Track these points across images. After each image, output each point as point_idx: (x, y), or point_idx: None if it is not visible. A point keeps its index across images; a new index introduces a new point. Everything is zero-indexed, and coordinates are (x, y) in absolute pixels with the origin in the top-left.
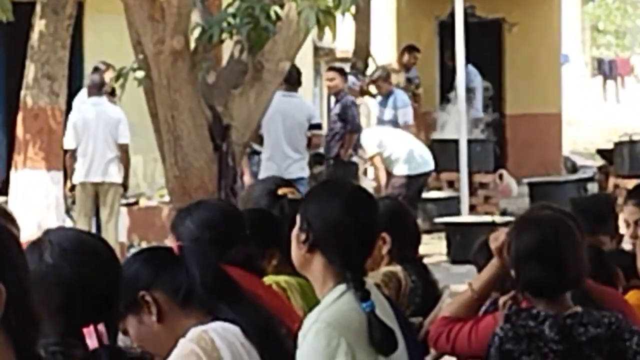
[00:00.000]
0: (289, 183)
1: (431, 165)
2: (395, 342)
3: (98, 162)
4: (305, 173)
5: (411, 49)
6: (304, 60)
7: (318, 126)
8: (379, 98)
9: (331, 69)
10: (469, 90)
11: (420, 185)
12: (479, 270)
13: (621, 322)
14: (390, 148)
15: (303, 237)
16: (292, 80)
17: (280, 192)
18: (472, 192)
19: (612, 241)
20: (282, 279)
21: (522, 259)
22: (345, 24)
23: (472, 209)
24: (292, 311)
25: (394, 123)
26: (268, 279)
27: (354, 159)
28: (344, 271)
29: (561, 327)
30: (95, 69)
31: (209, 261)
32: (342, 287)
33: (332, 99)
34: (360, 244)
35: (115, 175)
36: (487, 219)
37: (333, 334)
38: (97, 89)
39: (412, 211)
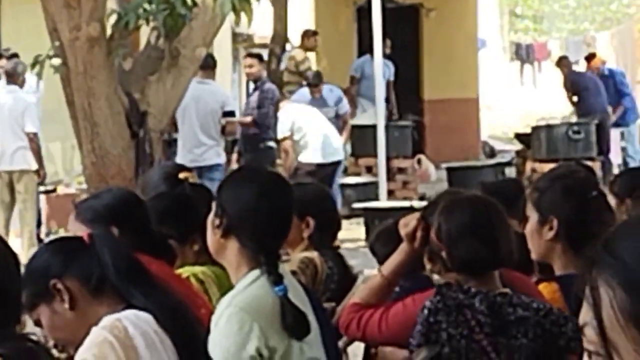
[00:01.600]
0: (187, 168)
1: (341, 155)
2: (307, 326)
3: (7, 150)
4: (221, 159)
5: (313, 32)
6: (222, 46)
7: (232, 113)
8: (311, 98)
9: (249, 55)
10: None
11: (328, 174)
12: (377, 258)
13: (551, 308)
14: (303, 132)
15: (217, 222)
16: (207, 67)
17: (182, 176)
18: (391, 177)
19: (520, 225)
20: (199, 270)
21: (455, 238)
22: (264, 10)
23: (391, 194)
24: (199, 297)
25: (337, 117)
26: (185, 271)
27: (271, 144)
28: (258, 256)
29: (491, 303)
30: (12, 56)
31: (119, 248)
32: (256, 272)
33: (252, 85)
34: (274, 229)
35: (25, 163)
36: (406, 204)
37: (245, 318)
38: (10, 76)
39: (334, 198)
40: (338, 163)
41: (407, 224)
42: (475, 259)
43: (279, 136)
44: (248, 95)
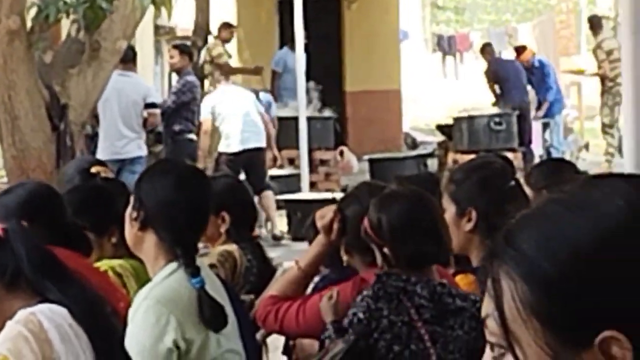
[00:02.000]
0: (102, 162)
1: (257, 143)
2: (224, 319)
3: None
4: (143, 152)
5: (229, 25)
6: (144, 39)
7: (154, 105)
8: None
9: (173, 46)
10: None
11: (252, 161)
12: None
13: None
14: (222, 119)
15: (135, 214)
16: (128, 59)
17: (94, 170)
18: (313, 169)
19: None
20: (116, 263)
21: (400, 234)
22: (186, 2)
23: (313, 185)
24: (117, 290)
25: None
26: (102, 264)
27: (191, 136)
28: (175, 248)
29: (432, 291)
30: None
31: (34, 242)
32: (173, 264)
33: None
34: (191, 222)
35: None
36: (328, 195)
37: (162, 310)
38: None
39: (249, 189)
40: (259, 150)
41: (323, 216)
42: (422, 253)
43: (201, 119)
44: (170, 87)
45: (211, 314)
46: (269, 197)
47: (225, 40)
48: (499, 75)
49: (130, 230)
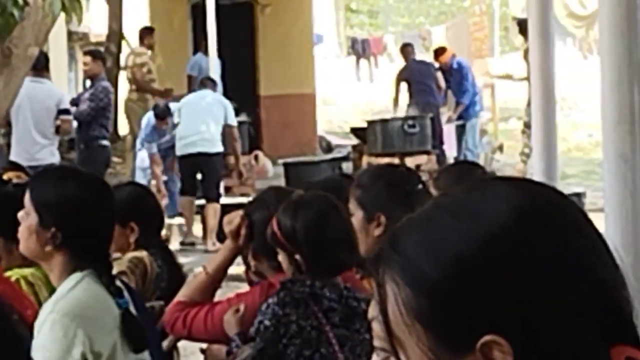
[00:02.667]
0: (19, 167)
1: (203, 147)
2: (146, 340)
3: None
4: (56, 158)
5: (150, 30)
6: (58, 45)
7: (66, 111)
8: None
9: (86, 53)
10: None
11: (193, 167)
12: None
13: None
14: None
15: (37, 226)
16: (40, 66)
17: (6, 177)
18: (228, 174)
19: None
20: (28, 272)
21: (313, 240)
22: (99, 8)
23: (228, 190)
24: (25, 298)
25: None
26: (14, 274)
27: (104, 142)
28: (82, 259)
29: (340, 294)
30: None
31: None
32: (77, 275)
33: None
34: (98, 232)
35: None
36: (243, 200)
37: (69, 324)
38: None
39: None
40: (199, 155)
41: (230, 221)
42: (337, 261)
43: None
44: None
45: (136, 335)
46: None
47: (150, 47)
48: (411, 76)
49: (32, 243)
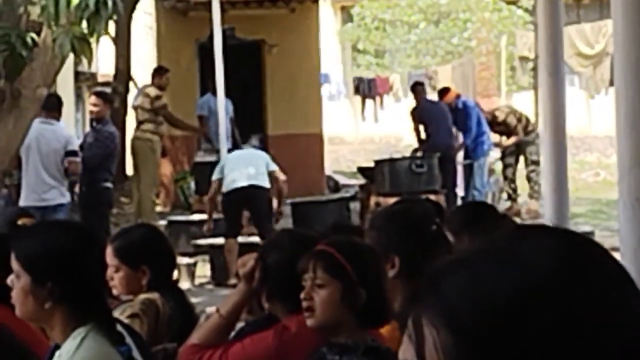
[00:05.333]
0: (28, 213)
1: (250, 181)
2: None
3: None
4: (66, 199)
5: (163, 70)
6: (65, 85)
7: (75, 153)
8: None
9: (95, 94)
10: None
11: (239, 203)
12: None
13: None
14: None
15: (35, 287)
16: (51, 107)
17: (20, 222)
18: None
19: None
20: None
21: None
22: (106, 48)
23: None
24: (42, 340)
25: None
26: None
27: (107, 184)
28: (82, 312)
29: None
30: None
31: None
32: (80, 331)
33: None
34: (93, 281)
35: None
36: (252, 240)
37: None
38: None
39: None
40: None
41: (244, 264)
42: (378, 309)
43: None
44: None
45: None
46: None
47: (161, 87)
48: (425, 116)
49: (29, 304)
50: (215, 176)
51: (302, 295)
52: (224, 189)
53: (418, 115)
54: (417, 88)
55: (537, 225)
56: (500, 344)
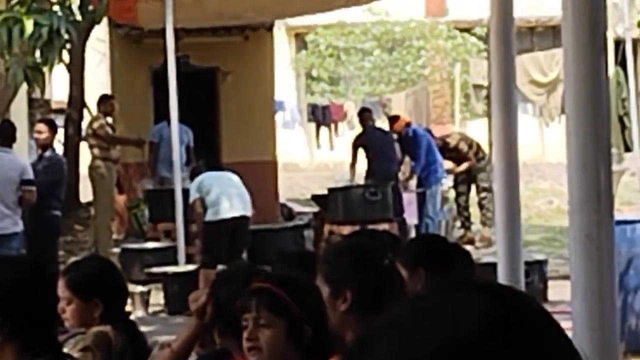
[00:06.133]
0: None
1: (238, 211)
2: None
3: None
4: (19, 228)
5: (108, 97)
6: (19, 112)
7: (30, 182)
8: None
9: (41, 121)
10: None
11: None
12: None
13: None
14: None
15: None
16: (4, 135)
17: None
18: (189, 242)
19: None
20: None
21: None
22: (60, 75)
23: (190, 258)
24: None
25: None
26: None
27: (56, 212)
28: (33, 347)
29: None
30: None
31: None
32: None
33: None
34: (44, 315)
35: None
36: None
37: None
38: None
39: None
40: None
41: (196, 299)
42: (327, 345)
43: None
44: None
45: None
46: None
47: (106, 113)
48: (368, 143)
49: None
50: (194, 195)
51: (245, 335)
52: (212, 217)
53: (360, 141)
54: (363, 115)
55: (469, 281)
56: None
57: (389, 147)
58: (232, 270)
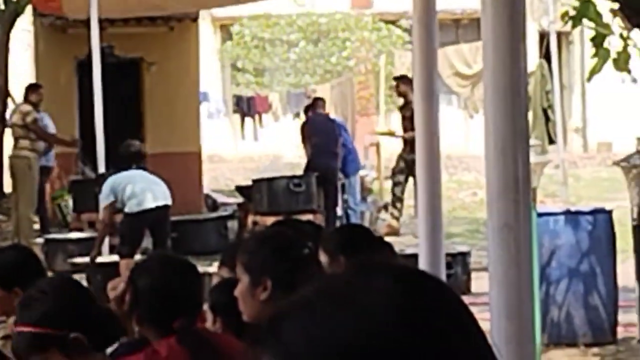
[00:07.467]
0: None
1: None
2: None
3: None
4: None
5: (37, 86)
6: None
7: None
8: None
9: None
10: None
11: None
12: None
13: None
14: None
15: None
16: None
17: None
18: (113, 233)
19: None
20: None
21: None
22: None
23: (113, 249)
24: None
25: None
26: None
27: None
28: None
29: None
30: None
31: None
32: None
33: None
34: None
35: None
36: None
37: None
38: None
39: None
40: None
41: (114, 288)
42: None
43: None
44: None
45: None
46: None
47: (36, 103)
48: (311, 130)
49: None
50: (107, 199)
51: None
52: (131, 209)
53: (308, 130)
54: (317, 103)
55: (379, 263)
56: None
57: (331, 136)
58: (152, 259)
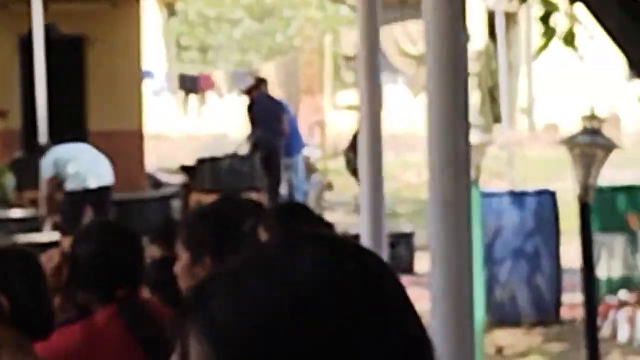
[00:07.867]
0: None
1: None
2: None
3: None
4: None
5: None
6: None
7: None
8: None
9: None
10: None
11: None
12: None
13: None
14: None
15: None
16: None
17: None
18: (54, 211)
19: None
20: None
21: None
22: None
23: (56, 227)
24: None
25: None
26: None
27: None
28: None
29: None
30: None
31: None
32: None
33: None
34: None
35: None
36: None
37: None
38: None
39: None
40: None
41: (51, 258)
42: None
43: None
44: None
45: None
46: None
47: None
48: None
49: None
50: (49, 172)
51: None
52: (73, 187)
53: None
54: (260, 83)
55: (305, 233)
56: (261, 358)
57: (276, 116)
58: (93, 226)
